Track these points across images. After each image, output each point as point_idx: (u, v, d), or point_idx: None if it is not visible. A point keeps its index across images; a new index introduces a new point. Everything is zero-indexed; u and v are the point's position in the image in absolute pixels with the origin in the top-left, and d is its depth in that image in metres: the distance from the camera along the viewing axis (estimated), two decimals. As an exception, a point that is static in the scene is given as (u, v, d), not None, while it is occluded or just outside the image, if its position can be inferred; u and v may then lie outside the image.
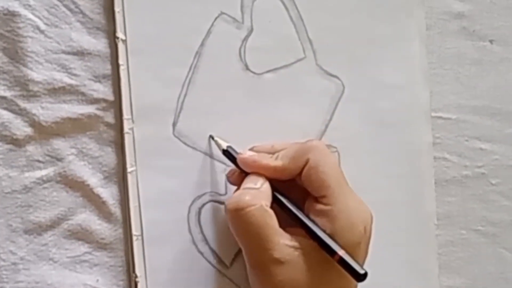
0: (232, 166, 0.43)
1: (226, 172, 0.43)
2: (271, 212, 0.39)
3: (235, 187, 0.43)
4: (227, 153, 0.42)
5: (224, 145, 0.43)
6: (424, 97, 0.48)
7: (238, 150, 0.42)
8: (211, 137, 0.43)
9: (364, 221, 0.40)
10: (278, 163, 0.41)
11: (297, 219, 0.40)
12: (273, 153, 0.42)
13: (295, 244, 0.39)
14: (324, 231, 0.39)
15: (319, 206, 0.40)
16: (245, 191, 0.40)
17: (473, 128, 0.50)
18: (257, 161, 0.41)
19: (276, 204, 0.40)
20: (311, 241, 0.39)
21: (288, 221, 0.40)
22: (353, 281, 0.39)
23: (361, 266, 0.38)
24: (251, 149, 0.43)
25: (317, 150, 0.40)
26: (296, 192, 0.41)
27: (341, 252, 0.38)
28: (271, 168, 0.41)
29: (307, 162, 0.40)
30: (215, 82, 0.44)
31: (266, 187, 0.40)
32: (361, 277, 0.38)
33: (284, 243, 0.39)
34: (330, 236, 0.39)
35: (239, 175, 0.42)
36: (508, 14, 0.50)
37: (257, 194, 0.40)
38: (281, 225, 0.39)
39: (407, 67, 0.48)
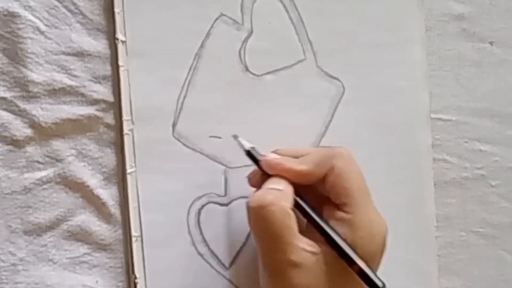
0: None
1: (247, 174, 0.43)
2: (293, 214, 0.39)
3: (235, 189, 0.44)
4: (250, 154, 0.42)
5: (248, 146, 0.42)
6: (423, 98, 0.48)
7: (261, 152, 0.42)
8: (235, 136, 0.43)
9: (382, 233, 0.40)
10: (303, 167, 0.41)
11: (317, 225, 0.40)
12: (296, 157, 0.42)
13: (313, 249, 0.39)
14: (345, 240, 0.39)
15: (340, 214, 0.39)
16: (268, 191, 0.40)
17: (473, 130, 0.50)
18: (282, 164, 0.41)
19: (296, 208, 0.40)
20: (329, 248, 0.39)
21: (306, 227, 0.40)
22: None
23: (379, 278, 0.38)
24: (274, 152, 0.43)
25: (342, 157, 0.40)
26: (313, 197, 0.41)
27: (360, 263, 0.38)
28: (295, 172, 0.40)
29: (332, 168, 0.40)
30: (215, 83, 0.44)
31: (289, 189, 0.40)
32: None
33: (302, 247, 0.38)
34: (350, 246, 0.39)
35: (261, 177, 0.42)
36: (508, 16, 0.50)
37: (280, 195, 0.39)
38: (299, 230, 0.39)
39: (407, 69, 0.48)
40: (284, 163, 0.41)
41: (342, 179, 0.40)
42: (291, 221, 0.39)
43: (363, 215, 0.39)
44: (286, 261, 0.38)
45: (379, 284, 0.38)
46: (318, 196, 0.41)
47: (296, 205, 0.40)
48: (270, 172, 0.41)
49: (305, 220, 0.41)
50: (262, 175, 0.42)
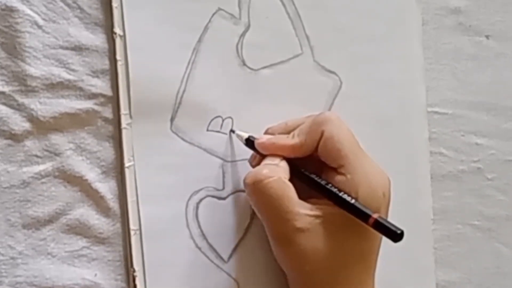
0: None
1: (248, 159, 0.44)
2: (289, 184, 0.40)
3: (233, 183, 0.44)
4: (249, 142, 0.43)
5: (246, 135, 0.43)
6: (420, 92, 0.49)
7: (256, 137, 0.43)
8: (232, 131, 0.44)
9: (383, 186, 0.41)
10: (295, 141, 0.41)
11: (323, 189, 0.40)
12: (288, 132, 0.43)
13: (316, 213, 0.40)
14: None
15: (338, 177, 0.40)
16: (262, 166, 0.41)
17: (469, 123, 0.50)
18: (275, 143, 0.42)
19: (297, 178, 0.41)
20: (331, 209, 0.40)
21: (306, 194, 0.41)
22: (374, 245, 0.40)
23: (396, 226, 0.38)
24: (266, 132, 0.44)
25: (330, 121, 0.41)
26: (313, 168, 0.42)
27: (376, 215, 0.38)
28: (289, 147, 0.41)
29: (322, 134, 0.40)
30: (213, 78, 0.44)
31: (284, 163, 0.41)
32: (398, 237, 0.38)
33: (304, 213, 0.39)
34: None
35: (260, 159, 0.43)
36: (504, 10, 0.51)
37: (275, 168, 0.40)
38: (300, 198, 0.40)
39: (403, 62, 0.48)
40: (277, 142, 0.42)
41: (333, 142, 0.40)
42: (290, 191, 0.40)
43: (361, 173, 0.40)
44: (291, 229, 0.39)
45: (397, 231, 0.38)
46: (315, 167, 0.42)
47: (299, 176, 0.41)
48: (266, 153, 0.42)
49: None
50: (260, 158, 0.43)
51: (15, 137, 0.41)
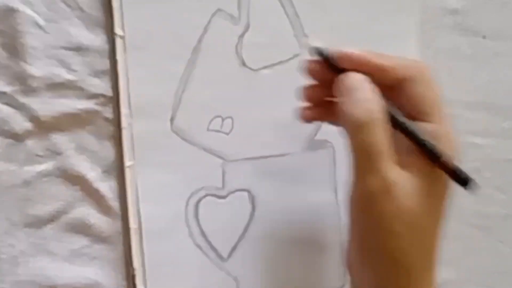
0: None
1: (301, 62, 0.40)
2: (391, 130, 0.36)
3: (233, 182, 0.44)
4: (319, 51, 0.38)
5: (317, 44, 0.39)
6: (418, 91, 0.49)
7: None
8: (306, 36, 0.41)
9: (457, 147, 0.37)
10: (386, 62, 0.37)
11: (416, 138, 0.37)
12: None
13: (411, 169, 0.36)
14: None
15: (423, 124, 0.37)
16: (369, 103, 0.36)
17: (466, 123, 0.50)
18: (366, 56, 0.37)
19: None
20: (425, 168, 0.36)
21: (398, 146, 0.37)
22: (445, 215, 0.38)
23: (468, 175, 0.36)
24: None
25: (425, 69, 0.38)
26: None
27: (451, 162, 0.36)
28: (376, 65, 0.37)
29: (418, 74, 0.37)
30: (212, 78, 0.44)
31: (377, 96, 0.36)
32: (470, 185, 0.36)
33: (398, 168, 0.36)
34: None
35: (322, 69, 0.38)
36: (502, 10, 0.51)
37: (381, 106, 0.36)
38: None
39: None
40: (368, 55, 0.37)
41: (429, 88, 0.37)
42: (390, 139, 0.36)
43: (445, 127, 0.37)
44: (387, 179, 0.35)
45: (470, 178, 0.36)
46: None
47: (391, 121, 0.37)
48: (348, 66, 0.37)
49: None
50: (321, 66, 0.38)
51: (16, 137, 0.41)
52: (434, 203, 0.37)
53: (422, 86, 0.37)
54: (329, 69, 0.38)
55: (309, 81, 0.40)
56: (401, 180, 0.36)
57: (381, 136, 0.35)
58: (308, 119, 0.42)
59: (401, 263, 0.36)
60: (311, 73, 0.39)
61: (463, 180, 0.37)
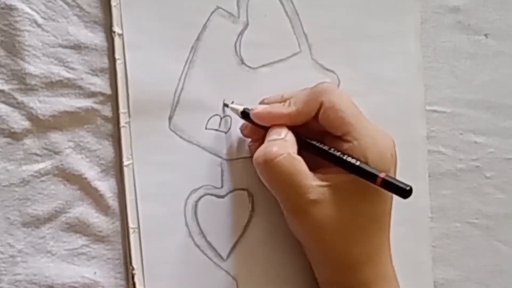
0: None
1: (240, 126, 0.44)
2: (300, 158, 0.40)
3: (231, 181, 0.44)
4: (244, 114, 0.43)
5: (241, 108, 0.43)
6: (418, 90, 0.49)
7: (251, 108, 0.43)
8: (226, 105, 0.44)
9: (389, 147, 0.42)
10: (291, 109, 0.42)
11: (330, 155, 0.41)
12: (283, 102, 0.43)
13: (327, 183, 0.40)
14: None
15: (345, 145, 0.41)
16: (271, 143, 0.41)
17: (467, 122, 0.50)
18: (271, 112, 0.42)
19: (303, 149, 0.41)
20: (340, 177, 0.40)
21: (313, 164, 0.41)
22: (386, 206, 0.42)
23: (405, 183, 0.39)
24: (261, 102, 0.44)
25: (328, 91, 0.41)
26: (313, 138, 0.42)
27: (383, 175, 0.39)
28: (285, 115, 0.42)
29: (321, 104, 0.41)
30: (211, 76, 0.44)
31: (290, 136, 0.41)
32: (407, 193, 0.38)
33: (316, 184, 0.40)
34: None
35: (252, 128, 0.43)
36: (503, 8, 0.51)
37: (283, 143, 0.41)
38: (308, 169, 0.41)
39: (402, 61, 0.48)
40: (273, 110, 0.42)
41: (335, 111, 0.41)
42: (301, 165, 0.40)
43: (367, 137, 0.40)
44: (306, 202, 0.40)
45: (406, 188, 0.38)
46: (319, 136, 0.42)
47: (305, 146, 0.41)
48: (262, 123, 0.42)
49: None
50: (252, 126, 0.43)
51: (14, 136, 0.41)
52: (359, 209, 0.41)
53: (332, 110, 0.41)
54: (258, 128, 0.43)
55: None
56: (321, 195, 0.40)
57: (288, 167, 0.40)
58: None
59: (340, 264, 0.41)
60: (249, 135, 0.44)
61: (402, 190, 0.39)
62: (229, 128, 0.44)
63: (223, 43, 0.44)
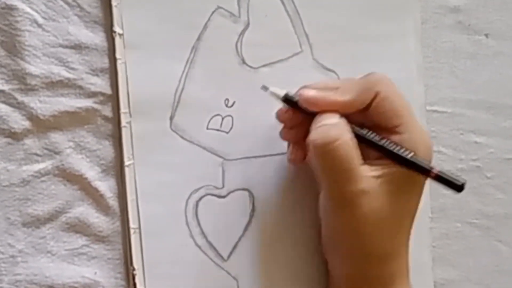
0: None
1: (276, 111, 0.43)
2: (356, 145, 0.40)
3: (232, 181, 0.44)
4: (287, 99, 0.42)
5: (283, 93, 0.42)
6: (419, 90, 0.49)
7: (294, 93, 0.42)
8: (265, 88, 0.43)
9: (431, 142, 0.42)
10: (346, 97, 0.41)
11: (383, 148, 0.40)
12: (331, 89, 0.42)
13: (377, 173, 0.40)
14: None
15: (395, 137, 0.40)
16: (327, 127, 0.40)
17: (468, 122, 0.50)
18: (325, 98, 0.41)
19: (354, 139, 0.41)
20: (390, 169, 0.40)
21: (364, 155, 0.40)
22: (419, 201, 0.42)
23: (458, 177, 0.39)
24: (303, 87, 0.42)
25: (384, 82, 0.41)
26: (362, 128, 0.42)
27: (437, 169, 0.39)
28: (339, 103, 0.41)
29: (376, 94, 0.40)
30: (212, 76, 0.44)
31: (343, 121, 0.40)
32: (461, 188, 0.39)
33: (367, 175, 0.40)
34: None
35: (291, 114, 0.42)
36: (503, 8, 0.51)
37: (341, 129, 0.40)
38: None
39: (402, 61, 0.48)
40: (327, 97, 0.41)
41: (390, 102, 0.40)
42: (357, 152, 0.40)
43: (417, 131, 0.41)
44: (355, 191, 0.39)
45: (459, 183, 0.39)
46: (367, 126, 0.41)
47: (356, 136, 0.40)
48: (312, 109, 0.41)
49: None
50: (292, 112, 0.42)
51: (14, 136, 0.41)
52: (402, 202, 0.41)
53: (388, 101, 0.40)
54: (300, 114, 0.42)
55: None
56: (370, 186, 0.39)
57: (345, 152, 0.39)
58: (286, 140, 0.44)
59: (371, 256, 0.41)
60: (285, 120, 0.43)
61: (455, 185, 0.39)
62: (231, 128, 0.44)
63: (224, 43, 0.44)
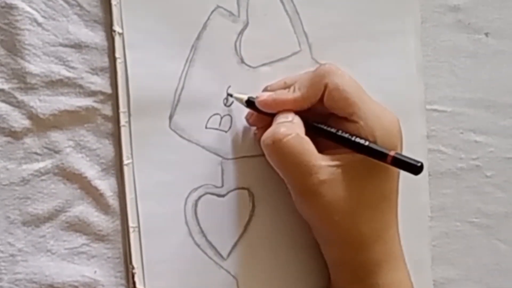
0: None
1: (245, 115, 0.45)
2: (307, 139, 0.41)
3: (231, 180, 0.44)
4: (249, 102, 0.43)
5: (245, 97, 0.43)
6: (419, 89, 0.49)
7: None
8: (230, 94, 0.44)
9: (395, 124, 0.42)
10: (296, 94, 0.42)
11: (338, 137, 0.41)
12: (287, 88, 0.43)
13: (336, 163, 0.40)
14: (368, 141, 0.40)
15: (352, 125, 0.41)
16: (279, 125, 0.41)
17: (468, 121, 0.50)
18: (276, 99, 0.42)
19: (310, 132, 0.41)
20: (349, 157, 0.40)
21: (321, 147, 0.41)
22: (393, 184, 0.42)
23: (415, 159, 0.39)
24: (264, 90, 0.44)
25: (332, 73, 0.41)
26: (320, 121, 0.42)
27: (393, 153, 0.39)
28: (291, 101, 0.42)
29: (325, 86, 0.41)
30: (211, 75, 0.44)
31: (297, 119, 0.42)
32: (418, 170, 0.39)
33: (325, 164, 0.40)
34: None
35: (257, 116, 0.44)
36: (503, 7, 0.51)
37: (290, 125, 0.41)
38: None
39: (402, 60, 0.48)
40: (278, 97, 0.42)
41: (339, 92, 0.41)
42: (309, 145, 0.40)
43: (373, 117, 0.41)
44: (315, 182, 0.40)
45: (417, 164, 0.39)
46: (325, 118, 0.42)
47: (312, 129, 0.41)
48: (268, 110, 0.42)
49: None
50: (257, 114, 0.43)
51: (14, 135, 0.41)
52: (368, 188, 0.41)
53: (337, 91, 0.41)
54: (264, 116, 0.43)
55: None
56: (330, 175, 0.40)
57: (296, 147, 0.40)
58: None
59: (349, 243, 0.42)
60: (254, 123, 0.44)
61: (413, 167, 0.39)
62: (230, 127, 0.44)
63: (223, 42, 0.44)
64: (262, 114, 0.43)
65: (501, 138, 0.51)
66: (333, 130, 0.41)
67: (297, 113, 0.42)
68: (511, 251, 0.51)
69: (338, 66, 0.42)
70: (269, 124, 0.42)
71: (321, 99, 0.41)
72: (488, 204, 0.51)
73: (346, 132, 0.41)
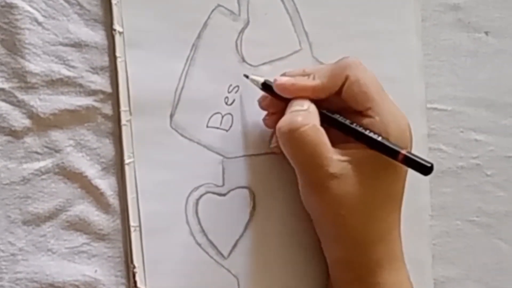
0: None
1: (258, 98, 0.44)
2: (323, 130, 0.40)
3: (232, 179, 0.44)
4: (265, 85, 0.43)
5: (262, 80, 0.43)
6: (419, 88, 0.49)
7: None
8: (246, 76, 0.44)
9: (407, 123, 0.42)
10: (316, 82, 0.42)
11: (351, 130, 0.41)
12: (306, 76, 0.43)
13: (348, 158, 0.40)
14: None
15: (367, 120, 0.41)
16: (295, 113, 0.41)
17: (468, 120, 0.50)
18: (295, 84, 0.42)
19: (324, 123, 0.41)
20: (361, 153, 0.40)
21: (333, 139, 0.41)
22: (400, 186, 0.42)
23: (426, 160, 0.39)
24: (283, 75, 0.44)
25: (354, 66, 0.41)
26: (335, 112, 0.42)
27: (405, 151, 0.39)
28: (309, 88, 0.42)
29: (346, 78, 0.41)
30: (212, 74, 0.44)
31: (313, 108, 0.41)
32: (428, 170, 0.39)
33: (337, 159, 0.40)
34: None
35: (271, 100, 0.43)
36: (503, 6, 0.51)
37: (307, 114, 0.41)
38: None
39: (402, 59, 0.48)
40: (297, 82, 0.42)
41: (359, 86, 0.41)
42: (324, 137, 0.40)
43: (389, 114, 0.41)
44: (326, 175, 0.40)
45: (427, 164, 0.39)
46: (340, 111, 0.42)
47: (327, 120, 0.41)
48: (285, 95, 0.42)
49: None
50: (271, 99, 0.43)
51: (15, 134, 0.41)
52: (378, 186, 0.41)
53: (357, 84, 0.41)
54: (278, 101, 0.43)
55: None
56: (341, 170, 0.40)
57: (312, 137, 0.40)
58: (270, 127, 0.45)
59: (352, 241, 0.41)
60: (266, 107, 0.44)
61: (423, 167, 0.39)
62: (231, 126, 0.44)
63: (224, 41, 0.44)
64: (276, 99, 0.43)
65: (502, 137, 0.51)
66: (347, 122, 0.41)
67: (312, 102, 0.42)
68: (511, 250, 0.51)
69: (360, 60, 0.42)
70: (281, 110, 0.42)
71: (338, 91, 0.41)
72: (489, 203, 0.51)
73: (360, 126, 0.41)
